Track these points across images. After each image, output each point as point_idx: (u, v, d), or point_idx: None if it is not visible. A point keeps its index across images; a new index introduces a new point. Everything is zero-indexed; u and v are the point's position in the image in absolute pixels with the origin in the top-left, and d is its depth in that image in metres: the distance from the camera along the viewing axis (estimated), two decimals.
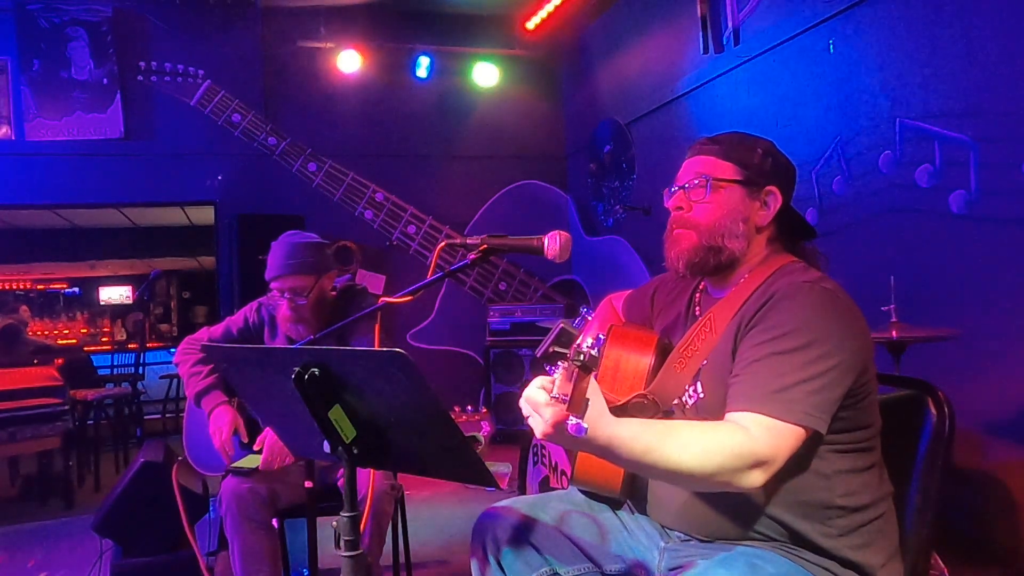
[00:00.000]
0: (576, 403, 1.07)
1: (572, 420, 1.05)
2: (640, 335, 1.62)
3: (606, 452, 1.19)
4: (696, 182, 1.49)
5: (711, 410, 1.40)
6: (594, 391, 1.14)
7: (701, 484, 1.30)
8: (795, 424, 1.25)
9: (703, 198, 1.48)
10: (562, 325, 1.11)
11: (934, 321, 2.68)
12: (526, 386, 1.19)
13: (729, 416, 1.28)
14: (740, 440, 1.22)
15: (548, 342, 1.11)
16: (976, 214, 2.82)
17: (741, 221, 1.47)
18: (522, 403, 1.19)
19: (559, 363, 1.10)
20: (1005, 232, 2.71)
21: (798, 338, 1.29)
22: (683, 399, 1.47)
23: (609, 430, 1.16)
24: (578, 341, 1.09)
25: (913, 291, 2.73)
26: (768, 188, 1.49)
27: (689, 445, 1.21)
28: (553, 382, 1.11)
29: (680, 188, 1.52)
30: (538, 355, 1.13)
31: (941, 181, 2.95)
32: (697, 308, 1.58)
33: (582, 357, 1.06)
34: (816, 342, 1.29)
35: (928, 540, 1.44)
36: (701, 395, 1.44)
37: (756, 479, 1.22)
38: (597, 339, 1.08)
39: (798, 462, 1.30)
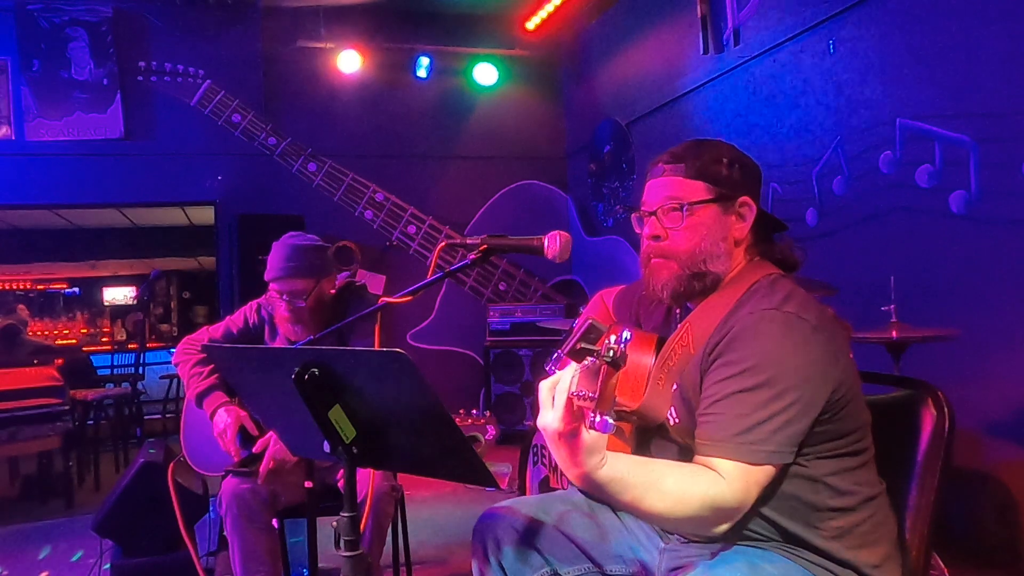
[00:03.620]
0: (605, 400, 1.05)
1: (597, 417, 1.05)
2: (641, 334, 1.61)
3: (584, 482, 1.19)
4: (669, 207, 1.42)
5: (690, 434, 1.39)
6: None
7: (670, 526, 1.33)
8: (762, 465, 1.26)
9: (678, 224, 1.42)
10: (591, 321, 1.09)
11: (934, 321, 2.68)
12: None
13: (699, 460, 1.30)
14: (716, 492, 1.24)
15: (575, 338, 1.09)
16: (976, 214, 2.82)
17: (720, 241, 1.42)
18: (543, 395, 1.17)
19: (584, 360, 1.09)
20: (1005, 232, 2.71)
21: (758, 375, 1.28)
22: (667, 418, 1.46)
23: (590, 464, 1.16)
24: (604, 338, 1.08)
25: (913, 291, 2.73)
26: (741, 199, 1.44)
27: (665, 495, 1.23)
28: (570, 382, 1.10)
29: (651, 214, 1.46)
30: (564, 352, 1.12)
31: (941, 181, 2.95)
32: (676, 322, 1.57)
33: (612, 354, 1.05)
34: (776, 377, 1.27)
35: (928, 540, 1.43)
36: (677, 420, 1.44)
37: (722, 529, 1.28)
38: (622, 335, 1.07)
39: (786, 470, 1.31)
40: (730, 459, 1.26)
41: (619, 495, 1.21)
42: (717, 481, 1.25)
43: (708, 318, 1.42)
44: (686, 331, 1.46)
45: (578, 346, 1.09)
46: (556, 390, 1.14)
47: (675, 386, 1.43)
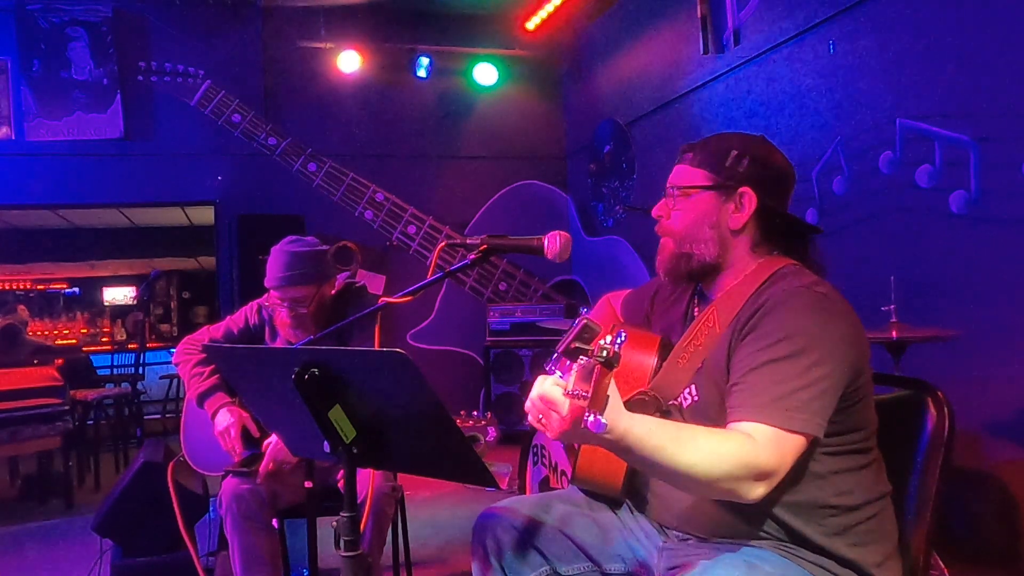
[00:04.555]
0: (598, 400, 1.06)
1: (591, 417, 1.05)
2: (644, 335, 1.62)
3: (617, 447, 1.19)
4: (672, 191, 1.54)
5: (705, 413, 1.41)
6: (611, 387, 1.14)
7: (704, 489, 1.30)
8: (797, 432, 1.26)
9: (675, 206, 1.53)
10: (585, 321, 1.11)
11: (934, 321, 2.68)
12: (530, 386, 1.19)
13: (732, 427, 1.29)
14: (749, 450, 1.23)
15: (570, 337, 1.11)
16: (976, 214, 2.82)
17: (708, 226, 1.49)
18: (533, 401, 1.18)
19: (579, 359, 1.09)
20: (1005, 232, 2.71)
21: (793, 344, 1.30)
22: (679, 399, 1.47)
23: (623, 425, 1.16)
24: (599, 338, 1.09)
25: (913, 291, 2.73)
26: (741, 190, 1.48)
27: (700, 448, 1.22)
28: (566, 379, 1.11)
29: (665, 197, 1.57)
30: (559, 350, 1.13)
31: (941, 181, 2.95)
32: (696, 308, 1.59)
33: (605, 353, 1.06)
34: (810, 348, 1.29)
35: (928, 540, 1.44)
36: (696, 398, 1.45)
37: (758, 491, 1.24)
38: (617, 335, 1.08)
39: (794, 464, 1.30)
40: (765, 423, 1.25)
41: (652, 453, 1.20)
42: (752, 442, 1.24)
43: (733, 300, 1.46)
44: (711, 313, 1.49)
45: (572, 345, 1.10)
46: (535, 400, 1.17)
47: (700, 364, 1.45)
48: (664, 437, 1.21)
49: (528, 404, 1.20)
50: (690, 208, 1.51)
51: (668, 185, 1.55)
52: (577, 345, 1.09)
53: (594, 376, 1.06)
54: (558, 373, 1.17)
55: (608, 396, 1.11)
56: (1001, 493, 2.77)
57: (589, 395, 1.05)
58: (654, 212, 1.58)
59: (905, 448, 1.48)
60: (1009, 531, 2.74)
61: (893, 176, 3.18)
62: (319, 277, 2.43)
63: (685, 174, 1.53)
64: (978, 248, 2.82)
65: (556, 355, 1.23)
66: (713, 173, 1.49)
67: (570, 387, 1.08)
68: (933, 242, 3.00)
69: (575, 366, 1.09)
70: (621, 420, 1.16)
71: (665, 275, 1.57)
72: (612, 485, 1.58)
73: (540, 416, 1.18)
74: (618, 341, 1.07)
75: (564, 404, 1.12)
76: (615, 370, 1.08)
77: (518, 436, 3.40)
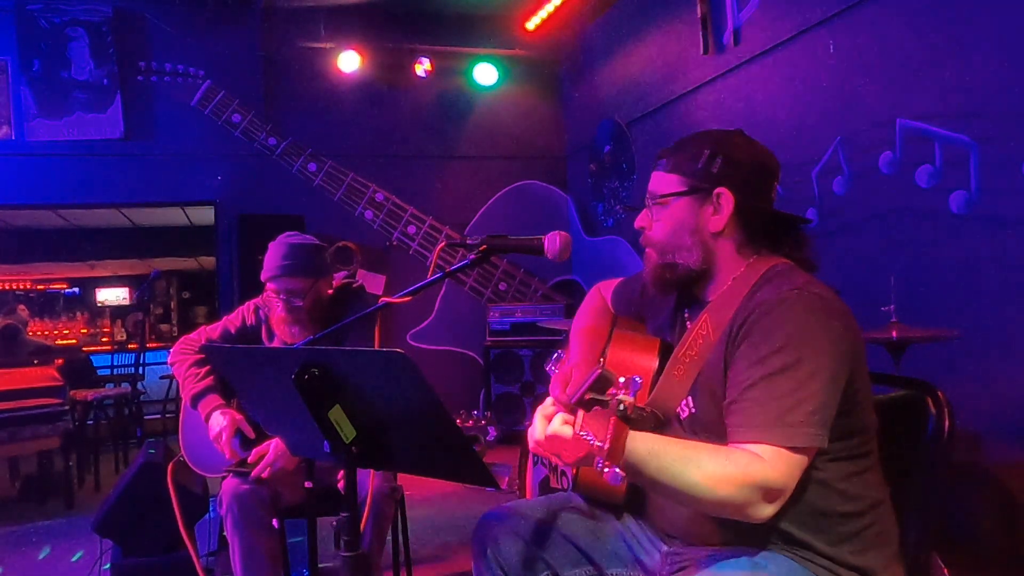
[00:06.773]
0: (616, 453, 1.06)
1: (607, 468, 1.05)
2: (644, 340, 1.61)
3: (623, 468, 1.18)
4: (650, 201, 1.52)
5: (704, 425, 1.39)
6: None
7: (711, 509, 1.28)
8: (802, 448, 1.24)
9: (656, 216, 1.51)
10: (599, 372, 1.10)
11: (934, 321, 2.68)
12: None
13: (734, 446, 1.27)
14: (756, 470, 1.21)
15: (583, 388, 1.10)
16: (976, 214, 2.82)
17: (687, 234, 1.46)
18: (540, 442, 1.21)
19: (594, 409, 1.10)
20: (1005, 232, 2.71)
21: (788, 355, 1.27)
22: (677, 411, 1.45)
23: (628, 447, 1.15)
24: (614, 386, 1.08)
25: (913, 291, 2.73)
26: (717, 191, 1.44)
27: (704, 469, 1.20)
28: (575, 417, 1.11)
29: (645, 207, 1.54)
30: (573, 401, 1.12)
31: (941, 181, 2.95)
32: (687, 311, 1.56)
33: (623, 408, 1.05)
34: (806, 357, 1.26)
35: (928, 540, 1.43)
36: (693, 410, 1.43)
37: (768, 511, 1.23)
38: (633, 382, 1.07)
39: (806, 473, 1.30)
40: (770, 444, 1.23)
41: (657, 474, 1.19)
42: (759, 461, 1.22)
43: (726, 305, 1.42)
44: (704, 321, 1.45)
45: (587, 396, 1.09)
46: (541, 438, 1.20)
47: (697, 374, 1.42)
48: (667, 458, 1.20)
49: (533, 444, 1.22)
50: (668, 217, 1.48)
51: (647, 194, 1.52)
52: (592, 396, 1.09)
53: (611, 429, 1.05)
54: (561, 414, 1.17)
55: (625, 448, 1.11)
56: (1001, 493, 2.77)
57: (606, 447, 1.05)
58: (636, 224, 1.55)
59: (905, 448, 1.48)
60: (1009, 531, 2.74)
61: (893, 176, 3.18)
62: (316, 270, 2.42)
63: (661, 181, 1.50)
64: (978, 248, 2.82)
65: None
66: (687, 177, 1.46)
67: (578, 426, 1.08)
68: (933, 242, 3.00)
69: (583, 411, 1.10)
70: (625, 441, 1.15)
71: (653, 286, 1.55)
72: (615, 494, 1.57)
73: (545, 453, 1.21)
74: (633, 391, 1.06)
75: (574, 447, 1.12)
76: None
77: (518, 436, 3.40)
